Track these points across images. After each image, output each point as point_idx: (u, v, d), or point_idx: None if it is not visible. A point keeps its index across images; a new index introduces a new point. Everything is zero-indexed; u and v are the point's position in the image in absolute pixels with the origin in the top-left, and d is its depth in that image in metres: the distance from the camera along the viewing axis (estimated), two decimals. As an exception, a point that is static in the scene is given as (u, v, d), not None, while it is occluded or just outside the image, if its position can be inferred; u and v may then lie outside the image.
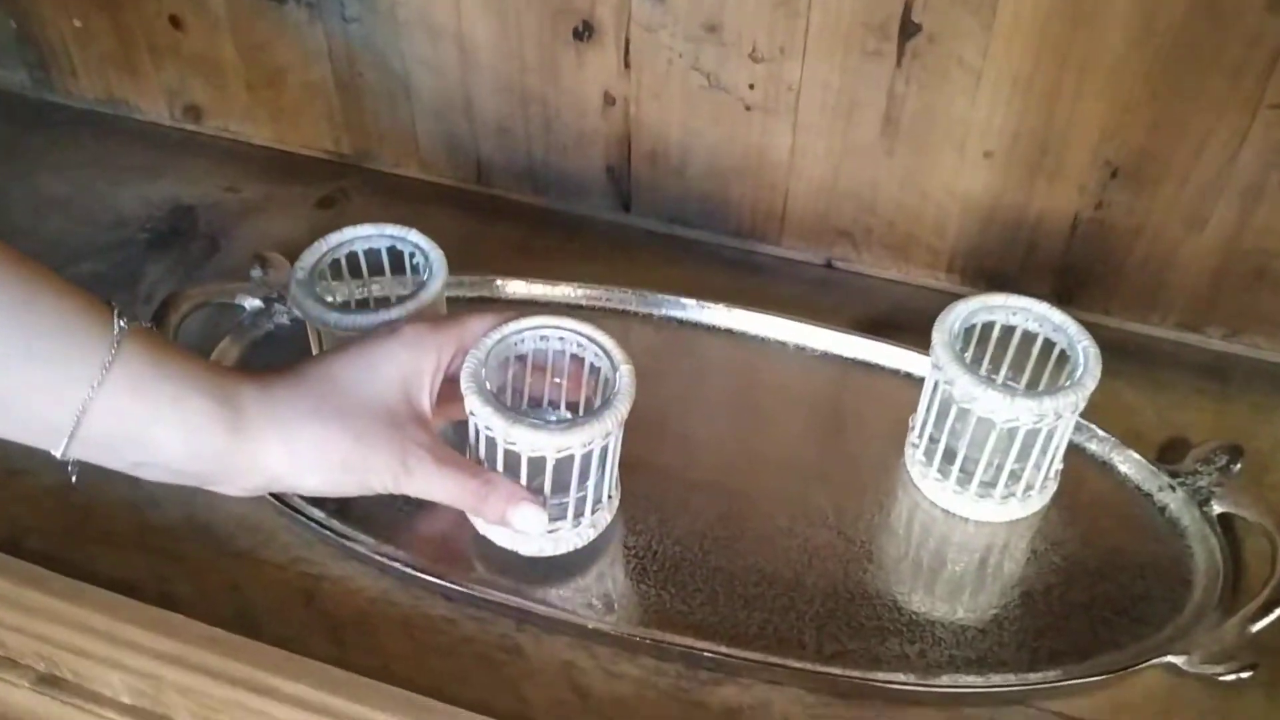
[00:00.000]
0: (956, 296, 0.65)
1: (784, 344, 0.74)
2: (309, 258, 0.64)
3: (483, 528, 0.59)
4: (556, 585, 0.58)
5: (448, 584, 0.58)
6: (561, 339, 0.58)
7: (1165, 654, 0.57)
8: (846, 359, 0.74)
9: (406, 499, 0.54)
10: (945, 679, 0.56)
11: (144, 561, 0.58)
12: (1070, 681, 0.56)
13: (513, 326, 0.57)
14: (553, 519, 0.57)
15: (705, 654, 0.56)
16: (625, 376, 0.55)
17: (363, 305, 0.69)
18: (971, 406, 0.59)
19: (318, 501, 0.61)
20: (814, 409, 0.71)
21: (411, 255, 0.66)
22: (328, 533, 0.60)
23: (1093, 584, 0.61)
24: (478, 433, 0.55)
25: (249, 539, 0.60)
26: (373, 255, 0.67)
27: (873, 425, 0.70)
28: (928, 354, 0.62)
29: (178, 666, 0.52)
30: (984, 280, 0.79)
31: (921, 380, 0.65)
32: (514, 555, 0.59)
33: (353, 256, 0.67)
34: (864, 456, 0.68)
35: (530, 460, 0.54)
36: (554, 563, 0.59)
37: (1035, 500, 0.64)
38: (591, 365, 0.58)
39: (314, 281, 0.63)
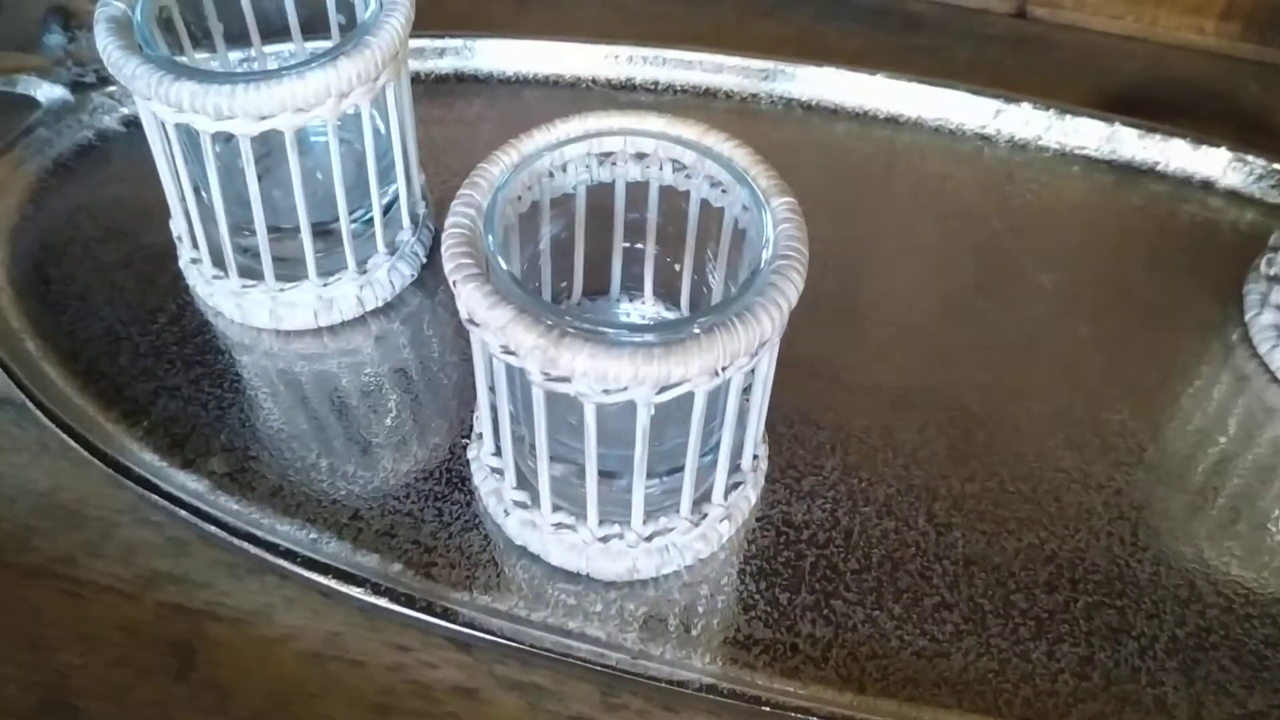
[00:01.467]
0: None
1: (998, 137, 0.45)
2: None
3: (525, 536, 0.32)
4: (661, 623, 0.32)
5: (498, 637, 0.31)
6: (643, 159, 0.30)
7: None
8: (1102, 160, 0.44)
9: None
10: None
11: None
12: None
13: (541, 140, 0.29)
14: (647, 513, 0.30)
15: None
16: (786, 222, 0.27)
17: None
18: None
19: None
20: (1064, 241, 0.42)
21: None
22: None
23: None
24: (490, 361, 0.28)
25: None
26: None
27: (1167, 267, 0.41)
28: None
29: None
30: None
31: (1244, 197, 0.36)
32: (585, 582, 0.32)
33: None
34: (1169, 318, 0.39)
35: (602, 411, 0.27)
36: (660, 587, 0.32)
37: None
38: (706, 206, 0.30)
39: (152, 31, 0.33)
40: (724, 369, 0.26)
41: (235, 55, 0.38)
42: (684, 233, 0.31)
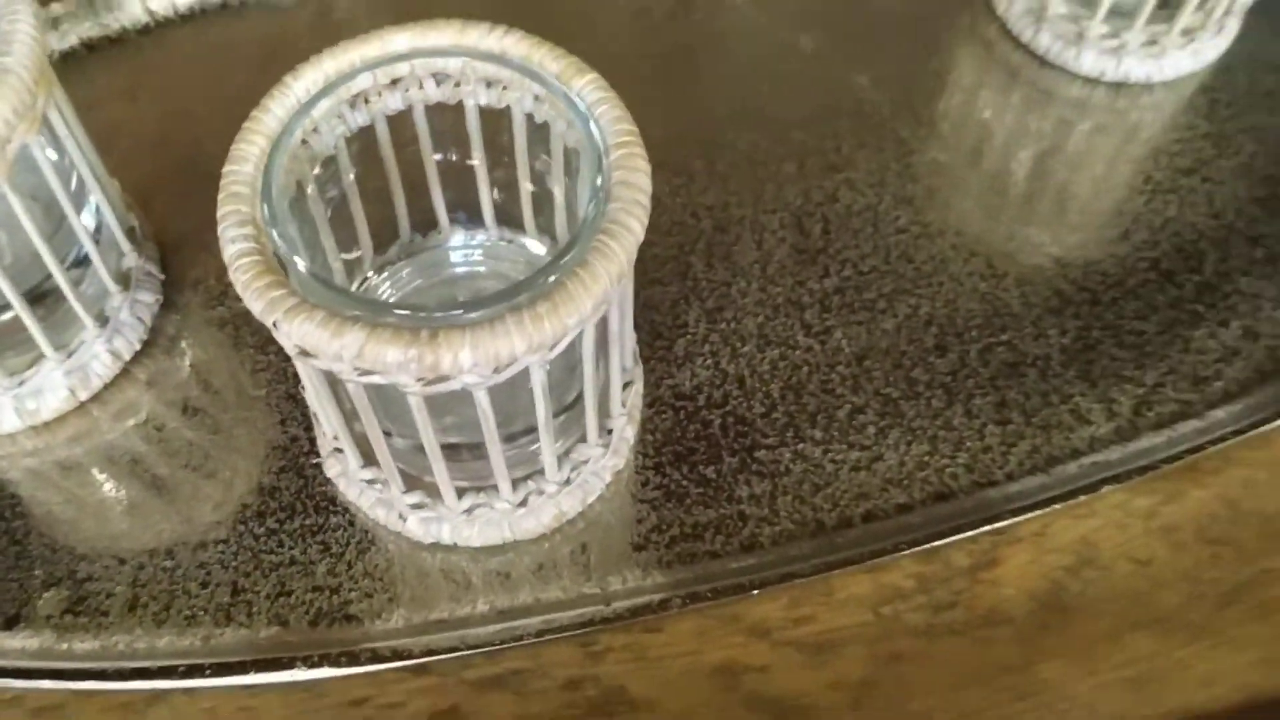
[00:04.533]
0: None
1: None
2: None
3: (433, 532, 0.29)
4: (605, 554, 0.30)
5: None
6: (397, 83, 0.25)
7: None
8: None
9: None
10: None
11: None
12: None
13: (278, 110, 0.24)
14: (518, 473, 0.27)
15: (943, 520, 0.29)
16: (620, 138, 0.24)
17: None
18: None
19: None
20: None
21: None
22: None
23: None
24: (343, 385, 0.24)
25: None
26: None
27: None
28: None
29: None
30: None
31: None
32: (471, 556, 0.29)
33: None
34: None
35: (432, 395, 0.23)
36: (588, 519, 0.30)
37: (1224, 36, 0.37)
38: (526, 122, 0.26)
39: None
40: (575, 326, 0.23)
41: None
42: (507, 151, 0.27)
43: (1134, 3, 0.35)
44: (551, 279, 0.22)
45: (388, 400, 0.25)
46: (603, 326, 0.25)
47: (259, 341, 0.32)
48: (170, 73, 0.38)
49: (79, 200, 0.29)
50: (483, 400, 0.23)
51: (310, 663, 0.27)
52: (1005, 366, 0.32)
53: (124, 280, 0.31)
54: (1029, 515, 0.29)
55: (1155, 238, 0.35)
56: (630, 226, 0.23)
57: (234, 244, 0.22)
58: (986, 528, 0.29)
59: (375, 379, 0.22)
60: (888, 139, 0.36)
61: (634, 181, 0.23)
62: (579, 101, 0.24)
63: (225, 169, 0.23)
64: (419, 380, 0.22)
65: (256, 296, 0.22)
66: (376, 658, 0.27)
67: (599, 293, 0.22)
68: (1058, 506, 0.30)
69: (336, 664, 0.27)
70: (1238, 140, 0.37)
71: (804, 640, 0.29)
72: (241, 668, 0.27)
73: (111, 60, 0.37)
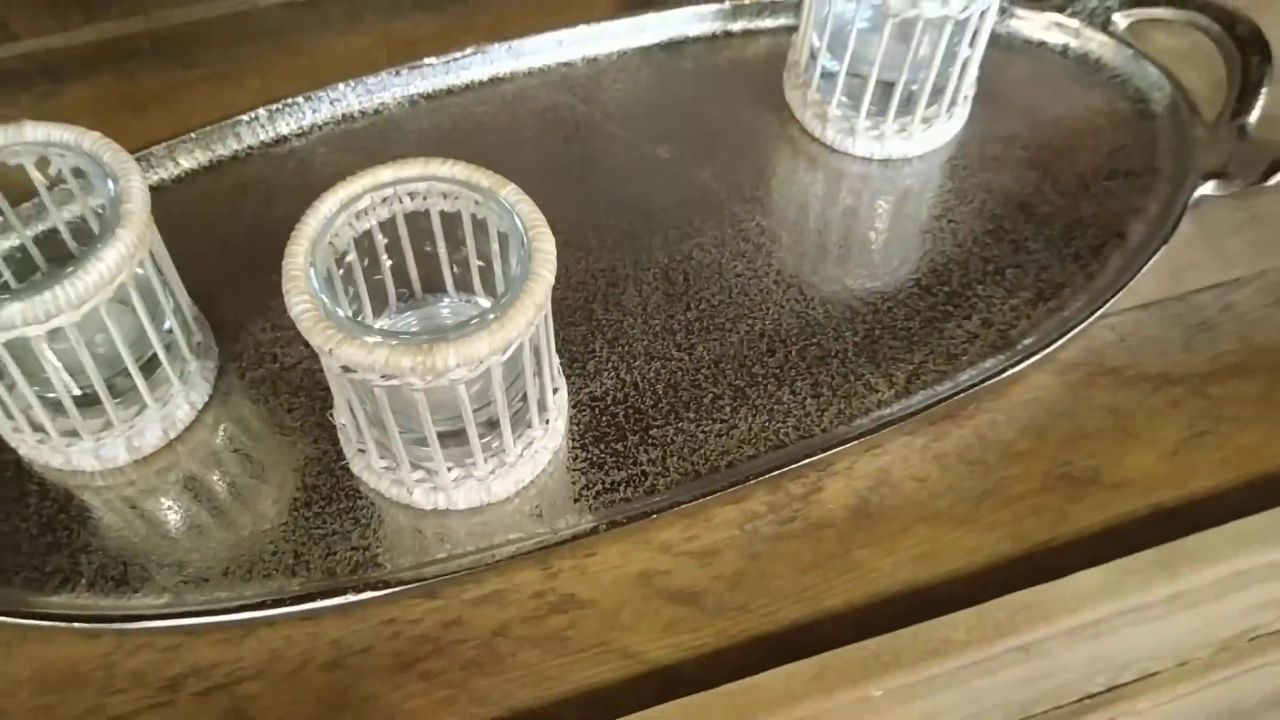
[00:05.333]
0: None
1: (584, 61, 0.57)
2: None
3: (433, 500, 0.42)
4: (554, 506, 0.43)
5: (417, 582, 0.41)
6: (416, 194, 0.39)
7: (1193, 189, 0.50)
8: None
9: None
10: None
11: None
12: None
13: (315, 218, 0.38)
14: (488, 454, 0.41)
15: (782, 465, 0.43)
16: (534, 224, 0.38)
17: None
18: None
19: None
20: (660, 117, 0.55)
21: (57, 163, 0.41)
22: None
23: (1064, 170, 0.52)
24: (370, 392, 0.37)
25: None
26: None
27: (735, 107, 0.55)
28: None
29: None
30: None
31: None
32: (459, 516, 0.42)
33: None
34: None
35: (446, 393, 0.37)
36: (537, 484, 0.43)
37: (955, 121, 0.53)
38: (471, 220, 0.40)
39: None
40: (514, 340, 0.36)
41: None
42: (462, 241, 0.41)
43: (885, 104, 0.51)
44: (501, 306, 0.36)
45: (400, 405, 0.38)
46: (535, 344, 0.39)
47: (290, 390, 0.45)
48: (200, 208, 0.51)
49: (168, 299, 0.42)
50: (463, 393, 0.37)
51: (356, 589, 0.40)
52: (816, 360, 0.46)
53: (196, 351, 0.44)
54: (837, 451, 0.43)
55: (917, 264, 0.49)
56: (544, 276, 0.36)
57: (298, 305, 0.35)
58: (809, 462, 0.43)
59: (394, 382, 0.35)
60: (726, 214, 0.51)
61: (544, 249, 0.37)
62: (505, 203, 0.38)
63: (285, 262, 0.36)
64: (424, 379, 0.35)
65: (317, 334, 0.35)
66: (400, 582, 0.40)
67: (531, 313, 0.36)
68: (857, 445, 0.44)
69: (375, 588, 0.40)
70: (973, 192, 0.52)
71: (694, 551, 0.42)
72: (309, 597, 0.39)
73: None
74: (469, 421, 0.38)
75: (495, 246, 0.41)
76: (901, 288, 0.48)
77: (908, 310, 0.48)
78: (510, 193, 0.38)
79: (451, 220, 0.41)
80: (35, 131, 0.39)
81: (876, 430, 0.44)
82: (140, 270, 0.39)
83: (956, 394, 0.45)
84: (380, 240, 0.40)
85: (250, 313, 0.47)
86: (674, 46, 0.57)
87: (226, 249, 0.49)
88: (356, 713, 0.38)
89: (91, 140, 0.39)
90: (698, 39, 0.57)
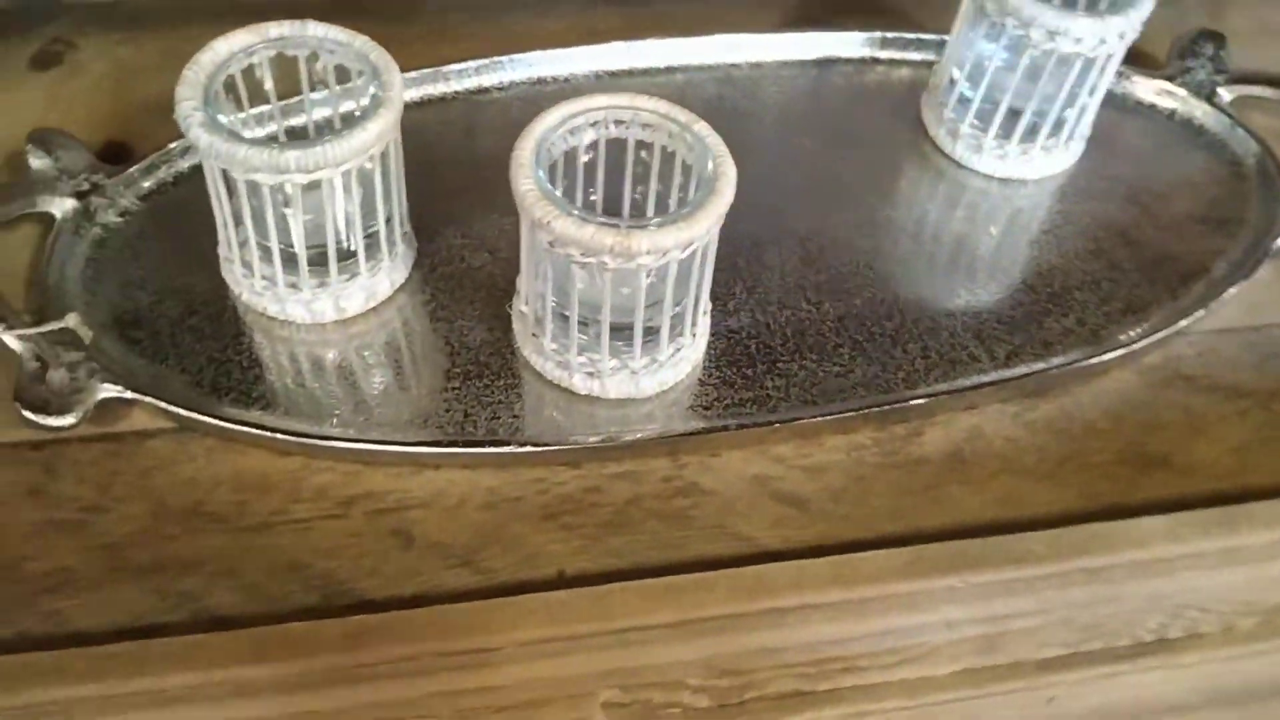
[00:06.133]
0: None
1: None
2: (194, 80, 0.45)
3: (588, 385, 0.48)
4: (688, 410, 0.49)
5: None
6: (619, 124, 0.46)
7: (1275, 238, 0.56)
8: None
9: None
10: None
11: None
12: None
13: (552, 118, 0.45)
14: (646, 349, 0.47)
15: (890, 407, 0.49)
16: (722, 158, 0.45)
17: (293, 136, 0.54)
18: (1030, 33, 0.54)
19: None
20: (812, 119, 0.62)
21: (323, 58, 0.49)
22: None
23: (1161, 210, 0.59)
24: (566, 270, 0.44)
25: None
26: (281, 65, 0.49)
27: (871, 119, 0.62)
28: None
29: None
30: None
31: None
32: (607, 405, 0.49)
33: (250, 74, 0.48)
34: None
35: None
36: (675, 390, 0.49)
37: (1070, 154, 0.60)
38: (663, 151, 0.47)
39: (213, 108, 0.45)
40: (694, 241, 0.43)
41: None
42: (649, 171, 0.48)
43: (1011, 129, 0.58)
44: (687, 210, 0.43)
45: (588, 292, 0.45)
46: (704, 256, 0.45)
47: (473, 286, 0.52)
48: (410, 136, 0.59)
49: (393, 187, 0.49)
50: (641, 281, 0.43)
51: (516, 444, 0.46)
52: (927, 329, 0.52)
53: (404, 240, 0.51)
54: (939, 402, 0.49)
55: (1024, 267, 0.56)
56: (725, 194, 0.43)
57: (524, 185, 0.43)
58: (913, 405, 0.49)
59: (591, 260, 0.42)
60: (859, 202, 0.58)
61: (727, 174, 0.44)
62: (698, 135, 0.45)
63: (514, 154, 0.43)
64: (616, 259, 0.42)
65: (539, 209, 0.42)
66: (551, 446, 0.46)
67: (711, 221, 0.42)
68: (956, 401, 0.50)
69: (532, 444, 0.46)
70: (1078, 216, 0.58)
71: (805, 465, 0.48)
72: (475, 442, 0.46)
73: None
74: (639, 316, 0.45)
75: (678, 180, 0.48)
76: (1009, 284, 0.55)
77: (1012, 302, 0.54)
78: (703, 128, 0.45)
79: (641, 152, 0.48)
80: (315, 29, 0.47)
81: (975, 389, 0.50)
82: (383, 154, 0.47)
83: (1048, 371, 0.51)
84: (582, 159, 0.48)
85: (445, 221, 0.54)
86: (826, 64, 0.65)
87: (429, 170, 0.56)
88: (505, 545, 0.45)
89: (361, 42, 0.47)
90: (848, 60, 0.65)
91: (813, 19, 0.67)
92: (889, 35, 0.65)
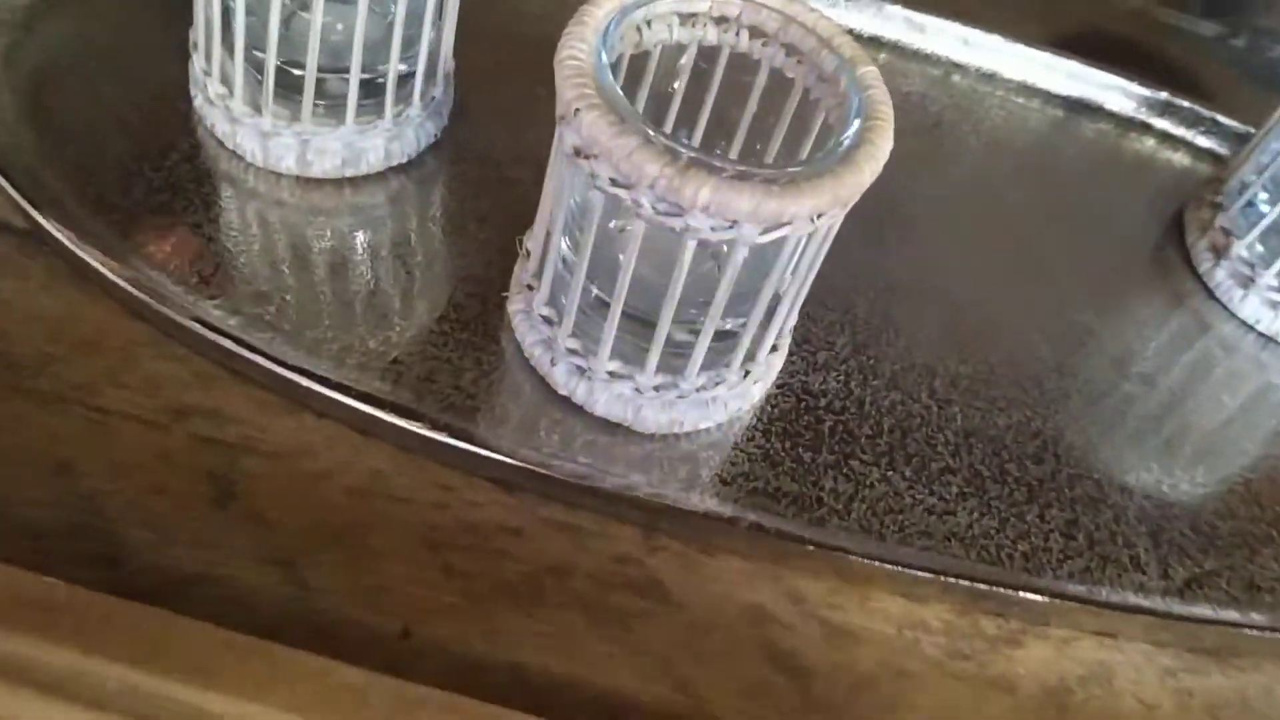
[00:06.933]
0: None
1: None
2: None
3: (572, 385, 0.33)
4: (698, 473, 0.33)
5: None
6: (722, 23, 0.31)
7: None
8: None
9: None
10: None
11: None
12: None
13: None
14: (706, 368, 0.32)
15: (987, 588, 0.32)
16: (872, 89, 0.29)
17: None
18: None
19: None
20: (1028, 162, 0.45)
21: None
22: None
23: None
24: (580, 204, 0.29)
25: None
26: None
27: (1112, 191, 0.45)
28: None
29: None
30: None
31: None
32: (625, 434, 0.33)
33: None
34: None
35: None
36: (694, 441, 0.33)
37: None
38: (774, 75, 0.32)
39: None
40: (819, 216, 0.27)
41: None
42: (745, 101, 0.32)
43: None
44: (808, 170, 0.27)
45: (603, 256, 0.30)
46: (810, 263, 0.29)
47: (501, 179, 0.38)
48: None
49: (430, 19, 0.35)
50: (737, 260, 0.28)
51: (420, 420, 0.31)
52: (1088, 497, 0.35)
53: (425, 103, 0.37)
54: (1064, 613, 0.32)
55: (1258, 464, 0.38)
56: (866, 165, 0.27)
57: (569, 56, 0.28)
58: (1022, 601, 0.32)
59: (623, 193, 0.27)
60: (1050, 288, 0.41)
61: (877, 141, 0.28)
62: (858, 81, 0.29)
63: (585, 6, 0.29)
64: (658, 198, 0.26)
65: (570, 88, 0.27)
66: (472, 441, 0.31)
67: (828, 199, 0.27)
68: (1091, 619, 0.32)
69: (438, 429, 0.31)
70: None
71: (829, 621, 0.31)
72: (368, 399, 0.31)
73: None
74: (669, 305, 0.29)
75: (787, 121, 0.32)
76: (1226, 480, 0.37)
77: (1221, 508, 0.36)
78: (868, 73, 0.29)
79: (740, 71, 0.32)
80: None
81: (1123, 610, 0.32)
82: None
83: (1238, 627, 0.33)
84: (689, 61, 0.32)
85: (491, 113, 0.40)
86: (1079, 107, 0.48)
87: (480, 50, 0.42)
88: (350, 557, 0.30)
89: None
90: (1110, 114, 0.48)
91: (1084, 47, 0.50)
92: (1176, 100, 0.47)
